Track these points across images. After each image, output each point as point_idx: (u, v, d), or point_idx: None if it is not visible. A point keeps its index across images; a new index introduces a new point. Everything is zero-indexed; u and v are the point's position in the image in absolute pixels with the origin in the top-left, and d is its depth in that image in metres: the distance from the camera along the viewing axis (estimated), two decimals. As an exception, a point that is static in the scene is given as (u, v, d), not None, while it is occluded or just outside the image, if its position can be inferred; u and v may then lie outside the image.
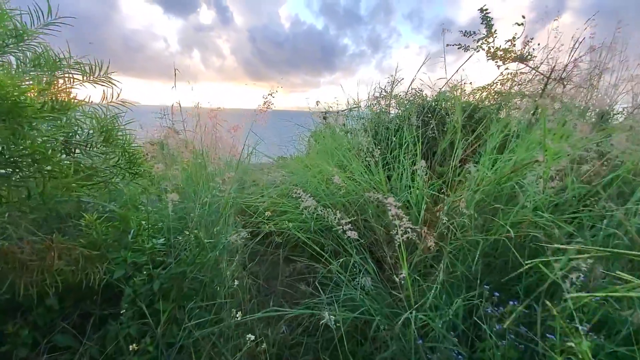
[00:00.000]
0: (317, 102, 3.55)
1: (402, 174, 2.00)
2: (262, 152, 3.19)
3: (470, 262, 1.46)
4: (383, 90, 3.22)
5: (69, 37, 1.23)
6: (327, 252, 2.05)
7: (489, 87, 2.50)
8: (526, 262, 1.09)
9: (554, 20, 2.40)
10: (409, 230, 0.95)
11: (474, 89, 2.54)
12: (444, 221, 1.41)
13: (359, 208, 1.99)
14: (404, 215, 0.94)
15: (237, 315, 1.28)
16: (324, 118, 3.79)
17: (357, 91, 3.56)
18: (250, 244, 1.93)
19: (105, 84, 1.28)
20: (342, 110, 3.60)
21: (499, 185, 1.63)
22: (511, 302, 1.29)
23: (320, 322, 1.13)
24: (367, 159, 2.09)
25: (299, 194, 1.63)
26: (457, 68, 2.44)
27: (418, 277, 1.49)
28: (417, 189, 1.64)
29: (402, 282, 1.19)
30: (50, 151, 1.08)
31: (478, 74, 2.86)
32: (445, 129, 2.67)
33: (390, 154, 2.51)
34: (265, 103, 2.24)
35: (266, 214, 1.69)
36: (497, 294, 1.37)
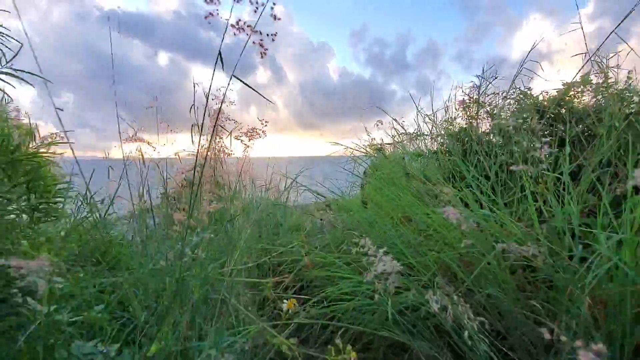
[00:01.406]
0: (377, 122, 2.75)
1: (566, 205, 1.02)
2: (305, 185, 2.45)
3: None
4: (467, 96, 2.32)
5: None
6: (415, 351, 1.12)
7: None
8: None
9: None
10: None
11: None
12: None
13: (478, 273, 1.04)
14: None
15: None
16: (381, 148, 2.96)
17: (432, 106, 2.63)
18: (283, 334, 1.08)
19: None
20: (408, 133, 2.76)
21: None
22: None
23: None
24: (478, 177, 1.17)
25: (366, 246, 0.78)
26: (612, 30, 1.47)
27: None
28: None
29: None
30: None
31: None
32: (591, 135, 1.65)
33: (498, 180, 1.56)
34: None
35: (286, 309, 0.81)
36: None
